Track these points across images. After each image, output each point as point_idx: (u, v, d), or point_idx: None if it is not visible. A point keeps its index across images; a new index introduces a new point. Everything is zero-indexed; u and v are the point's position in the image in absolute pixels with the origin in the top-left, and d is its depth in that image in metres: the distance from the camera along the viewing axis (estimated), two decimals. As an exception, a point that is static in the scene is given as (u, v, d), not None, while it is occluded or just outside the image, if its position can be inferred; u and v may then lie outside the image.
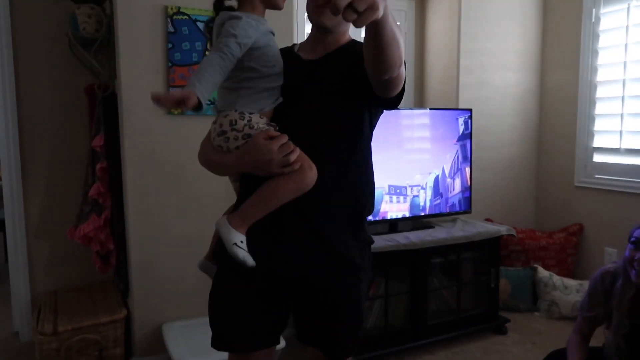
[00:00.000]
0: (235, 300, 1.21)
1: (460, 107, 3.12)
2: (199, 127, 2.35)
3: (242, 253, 1.08)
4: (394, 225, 2.64)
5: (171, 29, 2.28)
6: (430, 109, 2.78)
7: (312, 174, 1.11)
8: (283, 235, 1.14)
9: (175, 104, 0.96)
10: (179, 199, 2.38)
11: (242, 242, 1.09)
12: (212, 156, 1.21)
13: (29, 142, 2.60)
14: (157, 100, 0.94)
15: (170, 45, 2.29)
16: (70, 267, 2.69)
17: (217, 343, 1.24)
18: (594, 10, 3.10)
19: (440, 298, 2.69)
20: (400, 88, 1.14)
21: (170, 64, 2.30)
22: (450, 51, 3.18)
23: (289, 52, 1.29)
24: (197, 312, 2.44)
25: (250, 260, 1.09)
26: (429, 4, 3.34)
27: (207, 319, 2.46)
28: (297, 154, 1.09)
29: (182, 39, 2.31)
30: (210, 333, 2.40)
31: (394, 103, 1.19)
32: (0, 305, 3.06)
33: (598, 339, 1.78)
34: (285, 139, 1.11)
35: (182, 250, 2.38)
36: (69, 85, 2.62)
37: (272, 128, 1.15)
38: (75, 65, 2.60)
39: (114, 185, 2.41)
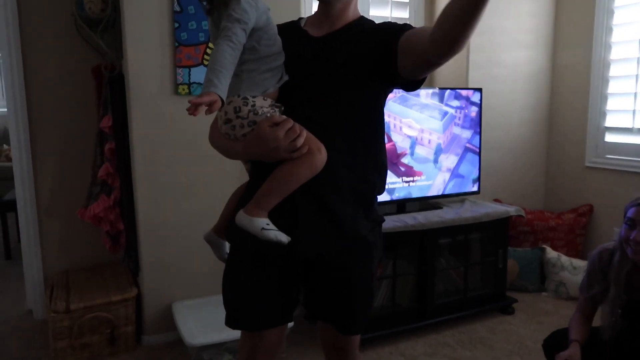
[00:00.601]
0: (249, 279, 1.21)
1: (470, 86, 3.07)
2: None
3: (273, 233, 1.08)
4: (401, 205, 2.64)
5: (177, 8, 2.26)
6: (440, 88, 2.74)
7: (321, 156, 1.10)
8: (296, 216, 1.14)
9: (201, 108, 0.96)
10: (187, 178, 2.39)
11: (268, 224, 1.09)
12: (221, 143, 1.20)
13: (37, 123, 2.61)
14: (190, 110, 0.94)
15: (176, 25, 2.27)
16: (82, 246, 2.72)
17: (231, 321, 1.25)
18: (608, -15, 3.02)
19: (447, 278, 2.69)
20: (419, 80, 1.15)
21: (176, 44, 2.28)
22: (461, 29, 3.12)
23: (295, 28, 1.27)
24: (206, 290, 2.47)
25: (283, 237, 1.09)
26: (439, -19, 3.27)
27: (215, 298, 2.50)
28: (303, 137, 1.08)
29: (188, 18, 2.29)
30: (218, 311, 2.43)
31: (417, 84, 1.18)
32: (15, 284, 3.12)
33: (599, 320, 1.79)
34: (290, 123, 1.08)
35: (191, 230, 2.40)
36: (76, 66, 2.61)
37: (276, 112, 1.13)
38: (82, 45, 2.59)
39: (122, 165, 2.42)
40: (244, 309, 1.22)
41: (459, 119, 2.74)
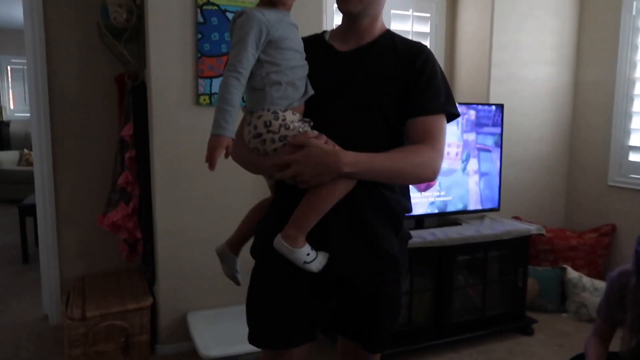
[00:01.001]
0: (276, 297, 1.19)
1: (491, 101, 3.04)
2: (226, 118, 2.35)
3: (315, 265, 1.09)
4: (420, 221, 2.61)
5: (201, 20, 2.28)
6: (460, 103, 2.71)
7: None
8: (327, 234, 1.12)
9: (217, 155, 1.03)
10: (206, 189, 2.39)
11: (308, 254, 1.09)
12: (248, 157, 1.18)
13: (59, 129, 2.63)
14: (211, 168, 1.04)
15: (199, 36, 2.28)
16: (99, 253, 2.73)
17: (256, 339, 1.22)
18: (634, 2, 2.98)
19: (465, 296, 2.65)
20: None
21: (199, 55, 2.30)
22: (482, 44, 3.10)
23: (319, 41, 1.25)
24: (221, 301, 2.46)
25: (323, 261, 1.10)
26: (461, -5, 3.26)
27: (231, 309, 2.49)
28: None
29: (211, 30, 2.30)
30: (234, 323, 2.42)
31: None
32: (31, 288, 3.14)
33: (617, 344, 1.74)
34: (324, 139, 1.09)
35: (208, 241, 2.39)
36: (100, 75, 2.64)
37: (308, 127, 1.12)
38: (106, 54, 2.62)
39: (142, 174, 2.43)
40: (270, 327, 1.19)
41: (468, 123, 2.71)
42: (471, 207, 2.73)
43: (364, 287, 1.21)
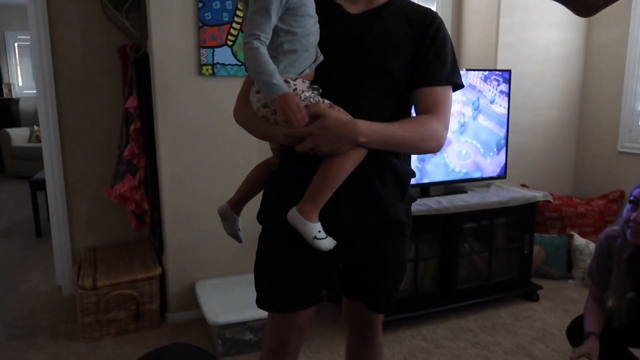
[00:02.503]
0: (284, 261, 1.20)
1: (498, 67, 2.99)
2: (229, 88, 2.34)
3: (324, 243, 1.09)
4: (425, 189, 2.60)
5: (201, -12, 2.25)
6: (467, 69, 2.67)
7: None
8: (336, 199, 1.12)
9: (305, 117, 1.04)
10: (211, 159, 2.40)
11: (319, 231, 1.09)
12: (256, 125, 1.15)
13: (65, 104, 2.65)
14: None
15: (200, 5, 2.26)
16: (108, 225, 2.78)
17: (264, 303, 1.24)
18: (648, -38, 2.87)
19: (471, 263, 2.66)
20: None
21: (200, 24, 2.27)
22: (490, 8, 3.03)
23: (329, 3, 1.21)
24: (228, 271, 2.50)
25: (331, 245, 1.10)
26: (469, -42, 3.17)
27: (238, 278, 2.54)
28: None
29: (212, -2, 2.27)
30: (240, 291, 2.46)
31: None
32: (45, 260, 3.22)
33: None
34: (337, 109, 1.08)
35: (215, 210, 2.41)
36: (103, 47, 2.64)
37: (318, 96, 1.10)
38: (109, 26, 2.60)
39: (147, 145, 2.44)
40: (278, 291, 1.21)
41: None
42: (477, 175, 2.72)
43: (371, 249, 1.23)
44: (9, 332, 2.35)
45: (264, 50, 1.01)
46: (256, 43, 1.01)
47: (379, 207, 1.17)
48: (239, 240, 1.43)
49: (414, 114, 1.22)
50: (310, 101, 1.07)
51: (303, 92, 1.07)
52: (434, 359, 2.17)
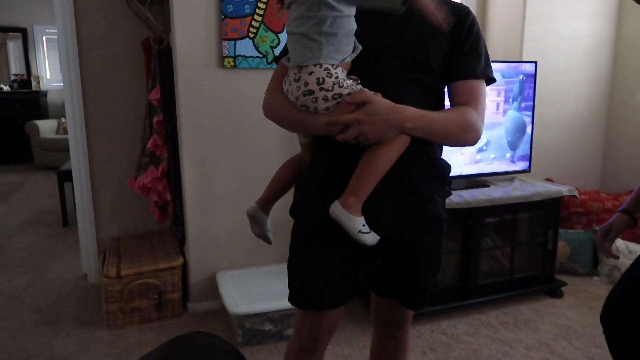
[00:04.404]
0: (319, 259, 1.19)
1: (524, 59, 2.93)
2: (251, 80, 2.35)
3: (369, 238, 1.07)
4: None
5: (223, -20, 2.25)
6: (492, 61, 2.62)
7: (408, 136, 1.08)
8: (377, 195, 1.10)
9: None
10: (232, 150, 2.42)
11: (364, 225, 1.07)
12: (291, 115, 1.12)
13: (91, 96, 2.69)
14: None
15: (222, -3, 2.27)
16: (132, 215, 2.83)
17: (298, 300, 1.23)
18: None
19: (492, 258, 2.62)
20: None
21: (222, 17, 2.28)
22: (516, -1, 2.96)
23: None
24: (249, 262, 2.52)
25: (375, 240, 1.08)
26: (494, -53, 3.10)
27: (258, 270, 2.56)
28: None
29: (234, -10, 2.28)
30: (261, 282, 2.48)
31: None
32: (71, 249, 3.30)
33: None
34: (380, 96, 1.06)
35: (236, 202, 2.44)
36: (127, 40, 2.67)
37: (360, 85, 1.08)
38: (133, 20, 2.64)
39: (170, 137, 2.47)
40: (313, 290, 1.20)
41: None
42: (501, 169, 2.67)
43: (410, 245, 1.21)
44: (37, 319, 2.42)
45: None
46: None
47: (419, 202, 1.16)
48: (269, 241, 1.39)
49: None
50: (353, 88, 1.05)
51: (344, 80, 1.06)
52: (454, 353, 2.15)
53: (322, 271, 1.19)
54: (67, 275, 2.95)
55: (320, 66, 1.05)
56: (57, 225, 3.88)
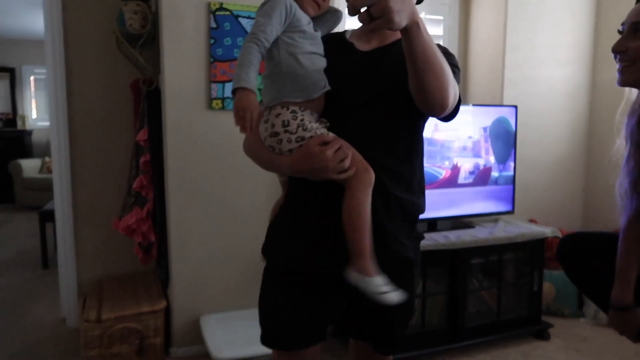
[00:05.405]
0: (289, 298, 1.18)
1: (505, 103, 3.02)
2: (238, 122, 2.38)
3: (391, 296, 1.06)
4: (432, 224, 2.59)
5: (213, 25, 2.31)
6: (474, 105, 2.70)
7: (370, 176, 1.08)
8: (339, 234, 1.11)
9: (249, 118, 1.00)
10: (220, 193, 2.42)
11: (384, 284, 1.07)
12: (260, 154, 1.17)
13: (78, 137, 2.69)
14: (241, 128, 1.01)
15: (212, 41, 2.32)
16: (115, 256, 2.78)
17: (269, 341, 1.22)
18: (651, 1, 2.93)
19: (479, 300, 2.62)
20: (449, 113, 1.12)
21: (212, 60, 2.33)
22: (496, 45, 3.08)
23: (340, 40, 1.23)
24: (234, 305, 2.48)
25: (400, 297, 1.07)
26: (474, -2, 3.25)
27: (244, 312, 2.51)
28: (350, 158, 1.07)
29: (224, 35, 2.33)
30: (246, 325, 2.43)
31: (451, 117, 1.16)
32: (50, 292, 3.21)
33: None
34: (339, 143, 1.07)
35: (222, 244, 2.42)
36: (117, 82, 2.70)
37: (325, 129, 1.11)
38: (123, 62, 2.67)
39: (156, 178, 2.47)
40: (283, 329, 1.19)
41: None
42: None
43: None
44: (12, 365, 2.32)
45: (255, 49, 1.02)
46: (251, 42, 1.03)
47: (385, 243, 1.15)
48: None
49: (423, 148, 1.23)
50: (316, 132, 1.08)
51: (310, 122, 1.09)
52: (443, 399, 2.11)
53: (291, 311, 1.18)
54: (45, 319, 2.85)
55: (287, 108, 1.08)
56: (36, 266, 3.78)
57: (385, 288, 1.06)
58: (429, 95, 1.01)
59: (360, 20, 0.88)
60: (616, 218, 2.32)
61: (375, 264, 1.08)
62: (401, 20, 0.88)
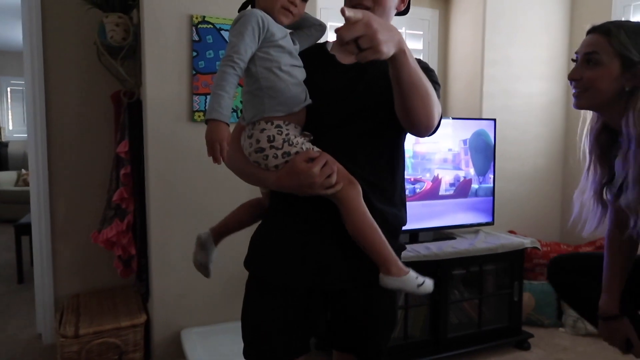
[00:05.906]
0: (271, 311, 1.18)
1: (483, 116, 3.08)
2: (221, 134, 2.37)
3: (428, 284, 1.07)
4: (414, 235, 2.61)
5: (196, 38, 2.32)
6: (453, 118, 2.75)
7: (357, 187, 1.09)
8: (322, 248, 1.12)
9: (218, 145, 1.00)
10: (201, 205, 2.40)
11: (417, 277, 1.07)
12: (246, 168, 1.16)
13: (56, 148, 2.65)
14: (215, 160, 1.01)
15: (194, 54, 2.32)
16: (93, 270, 2.72)
17: (251, 354, 1.21)
18: (623, 18, 3.03)
19: (461, 311, 2.64)
20: (430, 133, 1.13)
21: (194, 72, 2.33)
22: (474, 60, 3.15)
23: (320, 52, 1.23)
24: (215, 318, 2.44)
25: (431, 280, 1.08)
26: (453, 13, 3.32)
27: (225, 326, 2.48)
28: (336, 173, 1.07)
29: (206, 48, 2.34)
30: (227, 339, 2.40)
31: (426, 135, 1.16)
32: (25, 307, 3.12)
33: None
34: (325, 159, 1.07)
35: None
36: (96, 93, 2.67)
37: (309, 144, 1.11)
38: (103, 72, 2.65)
39: (137, 190, 2.44)
40: (266, 342, 1.18)
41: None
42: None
43: (359, 300, 1.20)
44: (-16, 384, 2.25)
45: (231, 73, 1.02)
46: (227, 66, 1.02)
47: (363, 255, 1.15)
48: (207, 274, 1.39)
49: (404, 164, 1.24)
50: (302, 147, 1.09)
51: (295, 137, 1.09)
52: (426, 410, 2.11)
53: (273, 323, 1.17)
54: (20, 336, 2.78)
55: (272, 123, 1.08)
56: (11, 281, 3.68)
57: (421, 279, 1.07)
58: (415, 117, 1.03)
59: (349, 50, 0.90)
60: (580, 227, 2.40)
61: (400, 262, 1.09)
62: (389, 50, 0.90)
